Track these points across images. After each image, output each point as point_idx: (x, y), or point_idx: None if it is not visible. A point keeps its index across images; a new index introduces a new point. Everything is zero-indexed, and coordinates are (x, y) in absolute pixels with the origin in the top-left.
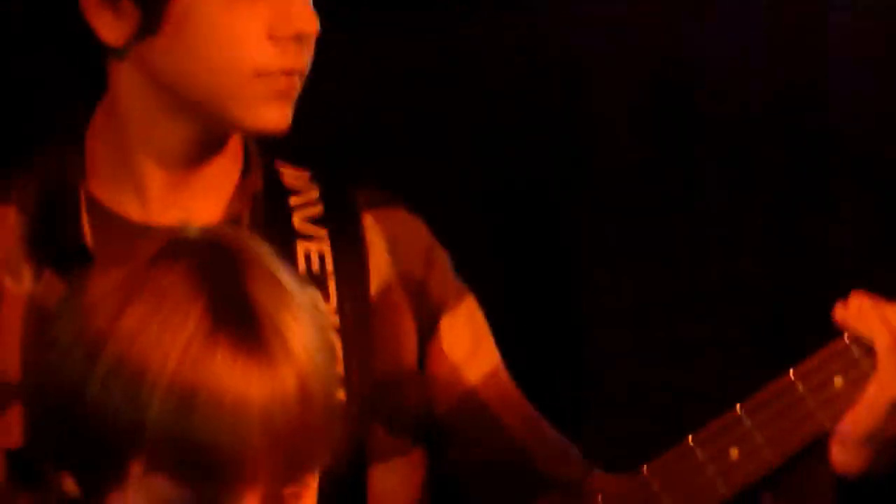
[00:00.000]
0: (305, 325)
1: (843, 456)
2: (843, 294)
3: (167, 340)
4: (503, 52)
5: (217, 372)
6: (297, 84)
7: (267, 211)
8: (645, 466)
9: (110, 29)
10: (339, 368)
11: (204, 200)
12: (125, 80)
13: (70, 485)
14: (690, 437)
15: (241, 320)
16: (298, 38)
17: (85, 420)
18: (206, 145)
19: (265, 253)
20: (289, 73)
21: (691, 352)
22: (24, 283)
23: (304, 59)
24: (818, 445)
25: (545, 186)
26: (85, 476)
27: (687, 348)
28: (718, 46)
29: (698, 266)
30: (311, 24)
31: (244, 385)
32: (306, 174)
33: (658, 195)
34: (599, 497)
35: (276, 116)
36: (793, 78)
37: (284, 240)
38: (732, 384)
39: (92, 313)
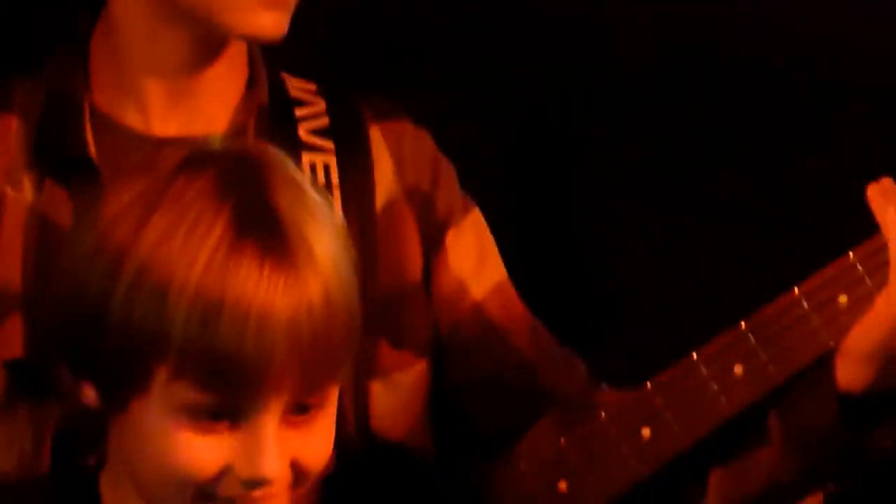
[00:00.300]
0: (330, 235)
1: (848, 373)
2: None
3: (192, 250)
4: None
5: (242, 281)
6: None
7: (272, 122)
8: (648, 382)
9: None
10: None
11: (207, 111)
12: None
13: (90, 394)
14: (694, 352)
15: (266, 229)
16: None
17: (109, 330)
18: (205, 54)
19: (289, 164)
20: None
21: (704, 271)
22: (25, 192)
23: None
24: (823, 363)
25: (554, 105)
26: (107, 385)
27: (699, 267)
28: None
29: (710, 182)
30: None
31: (270, 294)
32: (312, 86)
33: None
34: (602, 412)
35: (269, 23)
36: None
37: (290, 151)
38: (744, 302)
39: (113, 225)
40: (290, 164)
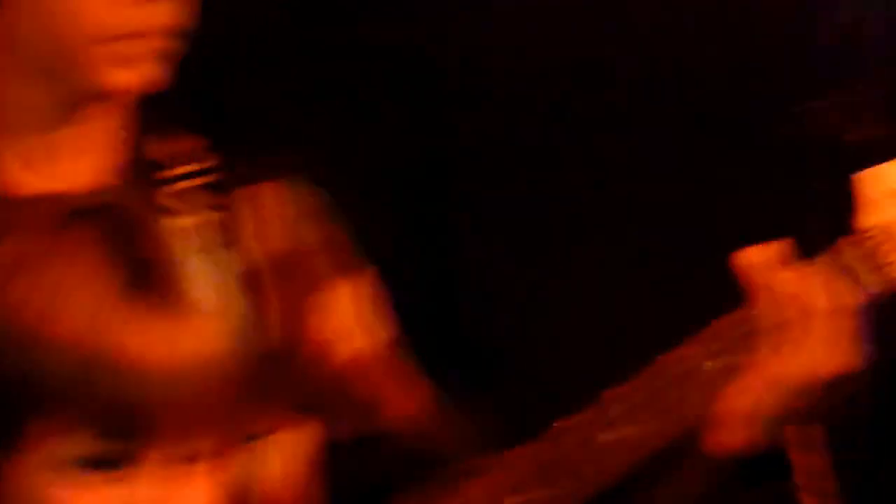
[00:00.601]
0: (216, 291)
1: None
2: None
3: (73, 305)
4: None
5: (124, 335)
6: (162, 43)
7: (138, 183)
8: (517, 451)
9: None
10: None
11: (73, 167)
12: None
13: None
14: (564, 422)
15: (149, 285)
16: None
17: None
18: (68, 108)
19: (167, 221)
20: (145, 34)
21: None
22: None
23: (169, 15)
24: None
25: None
26: None
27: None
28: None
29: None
30: None
31: (151, 348)
32: (184, 147)
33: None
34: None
35: (136, 77)
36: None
37: (156, 213)
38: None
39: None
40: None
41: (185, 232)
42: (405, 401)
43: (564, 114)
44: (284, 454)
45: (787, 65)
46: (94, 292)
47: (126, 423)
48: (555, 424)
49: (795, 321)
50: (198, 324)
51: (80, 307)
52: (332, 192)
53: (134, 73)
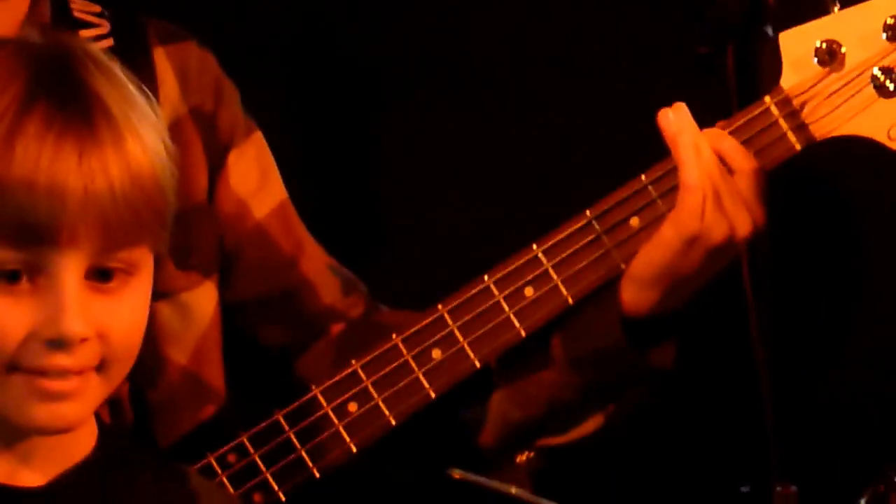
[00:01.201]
0: (139, 114)
1: (632, 296)
2: None
3: None
4: None
5: (31, 134)
6: None
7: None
8: (440, 304)
9: None
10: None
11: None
12: None
13: None
14: (486, 275)
15: (61, 92)
16: None
17: None
18: None
19: (106, 57)
20: None
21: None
22: None
23: None
24: (609, 286)
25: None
26: None
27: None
28: None
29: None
30: None
31: (60, 147)
32: (97, 8)
33: None
34: (393, 333)
35: None
36: None
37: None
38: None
39: None
40: (107, 56)
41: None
42: (308, 254)
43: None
44: (186, 315)
45: None
46: (11, 116)
47: (42, 228)
48: (484, 275)
49: (717, 178)
50: (110, 150)
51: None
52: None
53: None
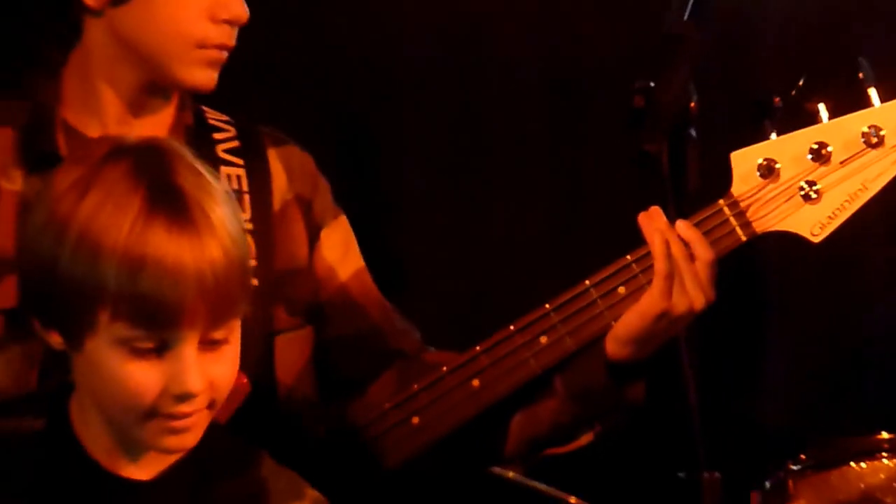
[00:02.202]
0: (223, 207)
1: (615, 348)
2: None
3: (116, 221)
4: None
5: (157, 242)
6: (225, 56)
7: (197, 141)
8: (478, 346)
9: None
10: (251, 244)
11: (148, 129)
12: (98, 35)
13: (56, 339)
14: (511, 325)
15: (172, 203)
16: (231, 23)
17: (61, 286)
18: (153, 90)
19: (189, 153)
20: (220, 47)
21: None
22: (16, 183)
23: (233, 38)
24: (599, 339)
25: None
26: (66, 330)
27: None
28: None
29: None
30: (243, 13)
31: (179, 251)
32: (225, 118)
33: None
34: (444, 367)
35: (207, 78)
36: None
37: (210, 164)
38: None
39: (57, 204)
40: (189, 152)
41: (230, 179)
42: (378, 307)
43: None
44: (292, 349)
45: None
46: (127, 210)
47: (168, 311)
48: (508, 326)
49: (681, 263)
50: (213, 235)
51: (120, 222)
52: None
53: (210, 74)
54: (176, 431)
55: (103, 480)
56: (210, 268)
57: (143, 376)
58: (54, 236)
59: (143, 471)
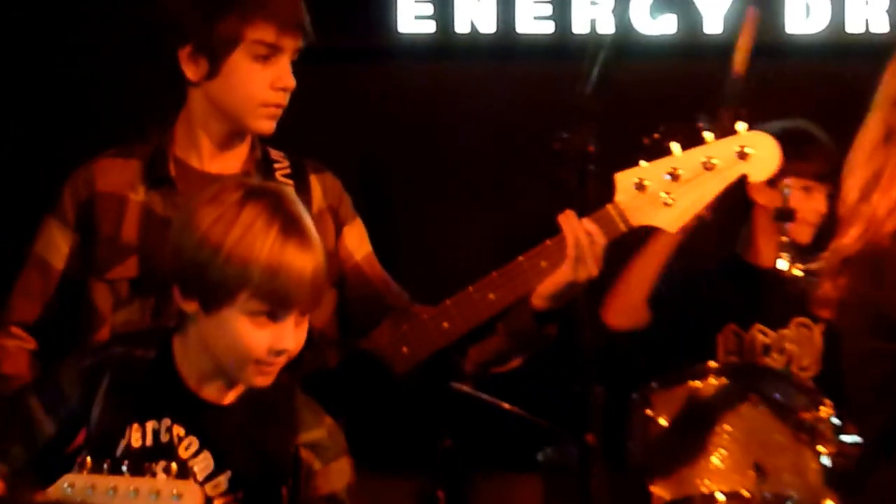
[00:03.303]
0: (315, 230)
1: (538, 302)
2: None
3: (260, 243)
4: None
5: (292, 255)
6: (280, 112)
7: (263, 169)
8: (447, 301)
9: (192, 73)
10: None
11: (230, 161)
12: (197, 99)
13: (192, 306)
14: (470, 287)
15: (298, 232)
16: (284, 90)
17: (212, 278)
18: (233, 135)
19: (294, 194)
20: (277, 106)
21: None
22: (140, 195)
23: (286, 99)
24: (528, 296)
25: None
26: (207, 301)
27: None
28: None
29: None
30: (292, 83)
31: (302, 262)
32: (281, 153)
33: None
34: (424, 315)
35: (268, 127)
36: None
37: (272, 181)
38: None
39: (209, 232)
40: (294, 194)
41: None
42: (380, 278)
43: None
44: (325, 305)
45: None
46: (268, 235)
47: (290, 297)
48: (470, 287)
49: (585, 247)
50: (316, 252)
51: (262, 243)
52: None
53: (271, 124)
54: (265, 374)
55: (191, 401)
56: (317, 273)
57: (258, 336)
58: (210, 251)
59: (222, 397)
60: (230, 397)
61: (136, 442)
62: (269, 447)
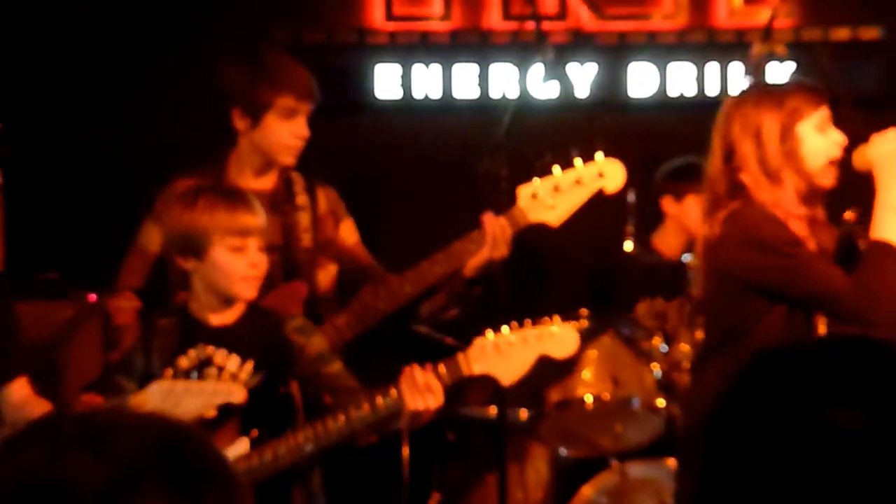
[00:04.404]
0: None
1: (468, 272)
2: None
3: (214, 203)
4: None
5: (244, 214)
6: (300, 151)
7: (286, 186)
8: (408, 271)
9: (241, 126)
10: (310, 228)
11: (266, 182)
12: (244, 142)
13: (191, 262)
14: (424, 262)
15: (238, 194)
16: (302, 139)
17: (196, 239)
18: (267, 166)
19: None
20: (297, 147)
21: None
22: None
23: (304, 142)
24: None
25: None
26: (198, 251)
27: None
28: None
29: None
30: (307, 133)
31: (248, 206)
32: (299, 174)
33: None
34: (393, 281)
35: (292, 161)
36: None
37: (292, 192)
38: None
39: (189, 213)
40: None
41: (300, 201)
42: (364, 257)
43: None
44: (324, 274)
45: None
46: (218, 197)
47: (244, 231)
48: (405, 272)
49: (499, 235)
50: (251, 201)
51: (218, 201)
52: None
53: (293, 159)
54: (251, 285)
55: (210, 329)
56: (261, 214)
57: (239, 261)
58: (189, 219)
59: (228, 321)
60: (232, 318)
61: (183, 364)
62: (269, 339)
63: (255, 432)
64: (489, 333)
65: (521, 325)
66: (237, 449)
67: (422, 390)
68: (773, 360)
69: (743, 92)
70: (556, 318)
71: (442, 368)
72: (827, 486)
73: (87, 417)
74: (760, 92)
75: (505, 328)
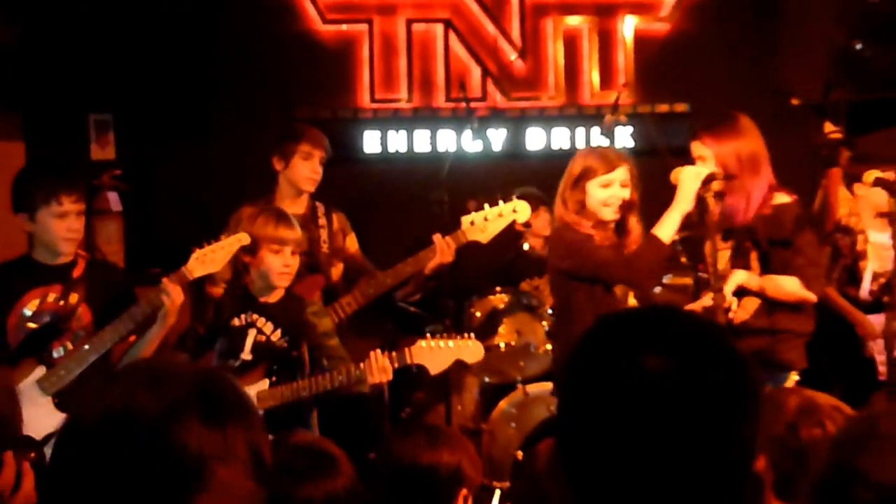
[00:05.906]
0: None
1: (427, 272)
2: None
3: (263, 221)
4: None
5: (281, 224)
6: (317, 183)
7: (311, 209)
8: (389, 270)
9: (278, 167)
10: (327, 239)
11: (299, 206)
12: (282, 179)
13: (248, 258)
14: (399, 264)
15: (283, 216)
16: (317, 174)
17: (254, 240)
18: (299, 193)
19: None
20: (314, 181)
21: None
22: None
23: (319, 176)
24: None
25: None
26: (254, 252)
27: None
28: None
29: None
30: (320, 172)
31: (287, 225)
32: (321, 204)
33: None
34: (380, 276)
35: (313, 188)
36: None
37: (316, 215)
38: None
39: (252, 226)
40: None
41: (321, 222)
42: (362, 261)
43: None
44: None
45: None
46: (268, 216)
47: (281, 240)
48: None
49: (444, 249)
50: (291, 223)
51: (266, 219)
52: None
53: (313, 187)
54: (285, 277)
55: (260, 304)
56: (297, 231)
57: (277, 260)
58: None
59: (271, 299)
60: (274, 299)
61: (236, 322)
62: (294, 316)
63: (273, 378)
64: (427, 339)
65: (450, 336)
66: (260, 385)
67: (379, 369)
68: (606, 323)
69: (582, 148)
70: (472, 335)
71: (394, 356)
72: (646, 414)
73: (151, 365)
74: (585, 151)
75: (438, 337)
